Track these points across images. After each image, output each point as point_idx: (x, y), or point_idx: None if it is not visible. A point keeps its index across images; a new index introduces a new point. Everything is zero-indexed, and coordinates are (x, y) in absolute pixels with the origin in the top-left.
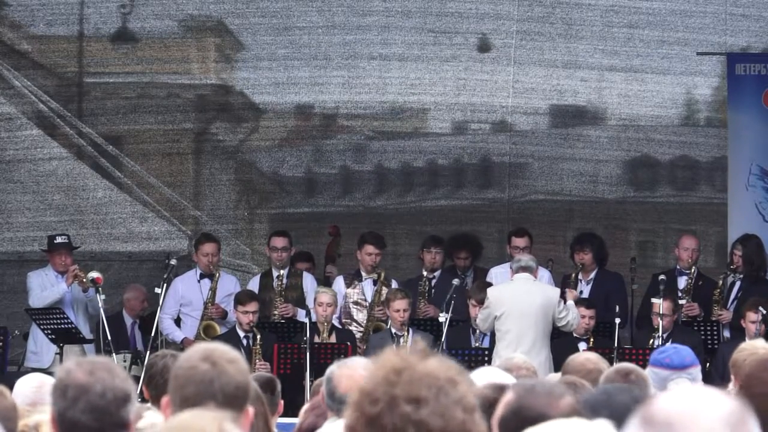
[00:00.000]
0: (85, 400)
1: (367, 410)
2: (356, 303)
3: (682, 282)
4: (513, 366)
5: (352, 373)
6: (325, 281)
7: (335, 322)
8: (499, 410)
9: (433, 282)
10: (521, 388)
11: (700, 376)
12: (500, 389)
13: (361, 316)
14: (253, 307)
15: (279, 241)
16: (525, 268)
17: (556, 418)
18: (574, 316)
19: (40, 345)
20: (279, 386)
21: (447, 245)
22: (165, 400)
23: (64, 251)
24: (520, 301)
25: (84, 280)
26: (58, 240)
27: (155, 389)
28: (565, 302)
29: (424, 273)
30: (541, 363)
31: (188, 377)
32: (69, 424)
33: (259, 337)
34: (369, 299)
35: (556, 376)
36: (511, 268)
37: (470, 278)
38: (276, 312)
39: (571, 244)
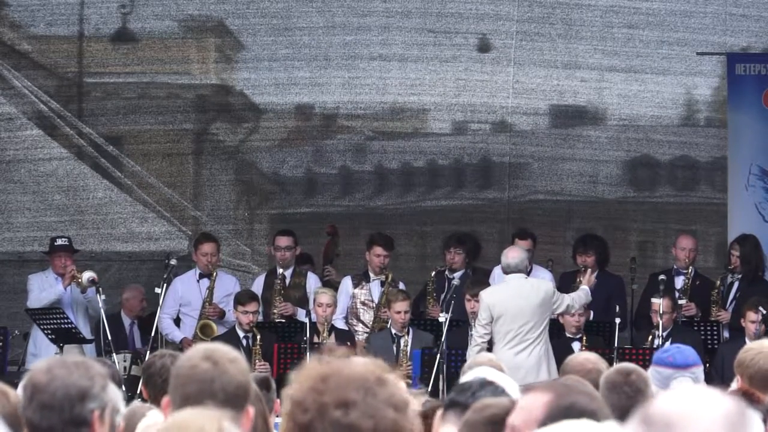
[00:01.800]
0: (37, 400)
1: (298, 419)
2: (363, 303)
3: (679, 282)
4: (476, 363)
5: None
6: (323, 281)
7: (337, 323)
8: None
9: (453, 282)
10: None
11: (702, 375)
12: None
13: (368, 316)
14: (253, 307)
15: (283, 240)
16: (518, 270)
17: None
18: (577, 298)
19: (39, 347)
20: (274, 385)
21: (445, 244)
22: (166, 399)
23: (65, 254)
24: (517, 303)
25: (80, 281)
26: (59, 242)
27: (153, 389)
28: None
29: (446, 272)
30: (541, 357)
31: (189, 376)
32: (29, 424)
33: (259, 337)
34: (376, 300)
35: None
36: (501, 269)
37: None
38: (275, 311)
39: (573, 246)
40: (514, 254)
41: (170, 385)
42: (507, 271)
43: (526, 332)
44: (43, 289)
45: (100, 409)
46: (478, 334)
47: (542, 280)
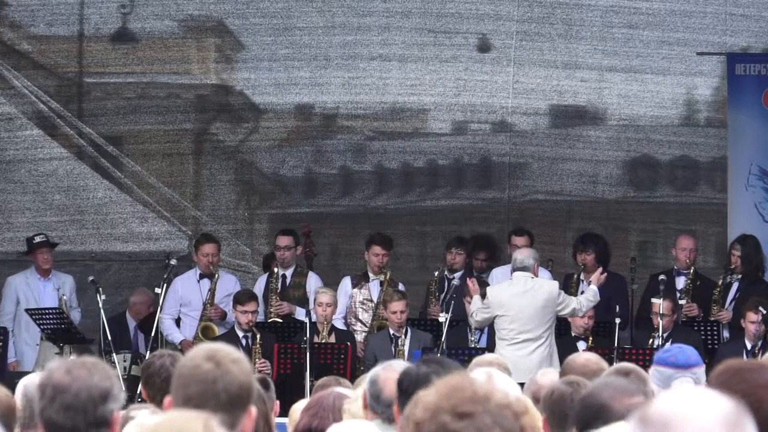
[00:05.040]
0: (60, 400)
1: (415, 416)
2: (362, 303)
3: (680, 282)
4: (484, 362)
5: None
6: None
7: (336, 323)
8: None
9: (453, 283)
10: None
11: (704, 376)
12: None
13: (366, 316)
14: (252, 306)
15: (282, 240)
16: (523, 267)
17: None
18: (585, 301)
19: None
20: (272, 385)
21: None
22: (168, 399)
23: (47, 249)
24: (519, 302)
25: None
26: (38, 239)
27: (152, 389)
28: (578, 287)
29: (446, 273)
30: (544, 359)
31: (191, 376)
32: (48, 424)
33: (258, 336)
34: (375, 300)
35: (554, 373)
36: (511, 268)
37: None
38: (272, 310)
39: (573, 244)
40: (523, 253)
41: (172, 386)
42: (515, 268)
43: (528, 332)
44: (27, 297)
45: (119, 410)
46: (476, 312)
47: (547, 281)
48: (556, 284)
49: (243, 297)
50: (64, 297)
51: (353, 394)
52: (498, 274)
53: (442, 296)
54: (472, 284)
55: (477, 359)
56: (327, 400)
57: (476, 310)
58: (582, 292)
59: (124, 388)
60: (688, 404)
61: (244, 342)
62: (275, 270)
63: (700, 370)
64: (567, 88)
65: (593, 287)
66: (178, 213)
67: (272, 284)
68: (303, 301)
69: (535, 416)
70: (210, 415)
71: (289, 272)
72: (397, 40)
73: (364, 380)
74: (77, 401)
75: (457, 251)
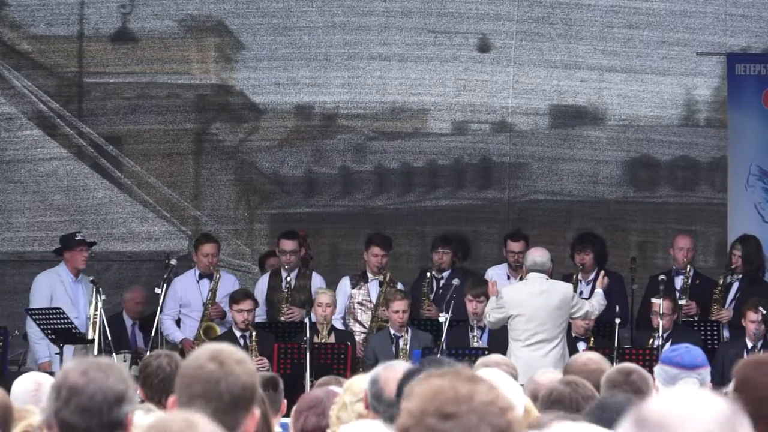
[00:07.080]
0: (76, 402)
1: (401, 423)
2: (361, 304)
3: (678, 282)
4: (491, 362)
5: (400, 376)
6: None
7: (335, 323)
8: None
9: (441, 282)
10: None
11: (709, 377)
12: None
13: (365, 317)
14: (247, 305)
15: (288, 244)
16: (538, 269)
17: None
18: (597, 304)
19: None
20: (281, 384)
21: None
22: (172, 399)
23: (86, 248)
24: (534, 302)
25: None
26: (79, 237)
27: (150, 389)
28: (576, 287)
29: (433, 272)
30: (558, 360)
31: (195, 376)
32: (62, 425)
33: (254, 334)
34: (374, 300)
35: (554, 372)
36: (524, 267)
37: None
38: (282, 318)
39: (571, 244)
40: (539, 253)
41: (176, 385)
42: (531, 269)
43: (544, 332)
44: (56, 294)
45: (133, 412)
46: (490, 313)
47: (562, 283)
48: (570, 286)
49: (238, 296)
50: (102, 298)
51: (338, 399)
52: (492, 274)
53: (431, 295)
54: (492, 286)
55: (483, 359)
56: (328, 400)
57: (490, 310)
58: (581, 293)
59: (137, 390)
60: (685, 404)
61: (242, 341)
62: (284, 275)
63: (706, 372)
64: (567, 88)
65: (599, 290)
66: (178, 213)
67: (281, 292)
68: (307, 303)
69: (531, 412)
70: (199, 414)
71: (292, 275)
72: (397, 40)
73: (350, 385)
74: (92, 403)
75: (443, 250)
